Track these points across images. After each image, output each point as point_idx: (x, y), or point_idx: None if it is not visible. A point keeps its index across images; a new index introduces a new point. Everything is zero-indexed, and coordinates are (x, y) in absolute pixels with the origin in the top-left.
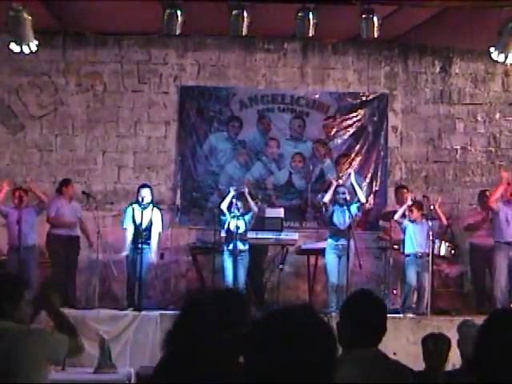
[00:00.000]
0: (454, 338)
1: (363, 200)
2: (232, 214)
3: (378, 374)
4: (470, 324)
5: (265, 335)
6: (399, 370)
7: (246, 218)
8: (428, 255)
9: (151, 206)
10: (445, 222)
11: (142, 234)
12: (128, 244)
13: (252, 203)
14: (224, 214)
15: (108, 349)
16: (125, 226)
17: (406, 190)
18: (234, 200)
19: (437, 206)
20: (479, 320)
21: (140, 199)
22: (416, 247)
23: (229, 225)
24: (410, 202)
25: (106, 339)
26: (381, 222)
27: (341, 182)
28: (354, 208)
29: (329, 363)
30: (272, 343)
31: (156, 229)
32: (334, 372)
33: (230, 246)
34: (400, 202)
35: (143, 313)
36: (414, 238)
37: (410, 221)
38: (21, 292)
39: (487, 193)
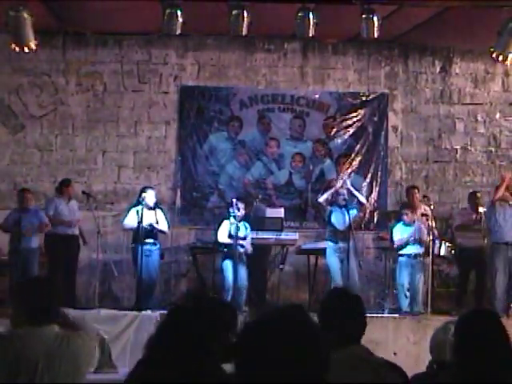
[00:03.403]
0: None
1: (364, 201)
2: (232, 214)
3: (360, 372)
4: (449, 327)
5: (256, 336)
6: (383, 366)
7: (247, 226)
8: (422, 256)
9: (155, 207)
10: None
11: (147, 235)
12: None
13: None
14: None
15: (108, 349)
16: (125, 222)
17: (416, 191)
18: (234, 200)
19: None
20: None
21: (143, 201)
22: (408, 250)
23: (230, 229)
24: (338, 185)
25: (106, 339)
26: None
27: (339, 184)
28: (353, 212)
29: (319, 363)
30: (263, 344)
31: (163, 226)
32: (324, 372)
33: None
34: (411, 202)
35: (143, 313)
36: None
37: (404, 224)
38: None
39: (478, 194)
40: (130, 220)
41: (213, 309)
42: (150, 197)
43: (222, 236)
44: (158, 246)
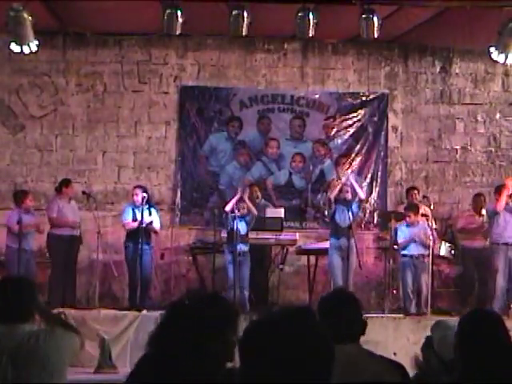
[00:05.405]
0: None
1: (362, 196)
2: (233, 215)
3: (362, 369)
4: (444, 325)
5: (262, 336)
6: (386, 364)
7: (247, 219)
8: (425, 256)
9: (147, 205)
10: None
11: (141, 234)
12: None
13: (252, 207)
14: (227, 217)
15: (108, 349)
16: (125, 222)
17: (416, 191)
18: (234, 200)
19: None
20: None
21: (134, 200)
22: (411, 250)
23: (231, 226)
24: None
25: (106, 339)
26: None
27: (344, 179)
28: (354, 206)
29: (326, 364)
30: (269, 344)
31: (156, 225)
32: (331, 373)
33: (232, 248)
34: (411, 203)
35: (143, 313)
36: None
37: (407, 225)
38: (36, 294)
39: (482, 197)
40: (126, 217)
41: (214, 306)
42: (135, 195)
43: (229, 206)
44: (151, 245)
